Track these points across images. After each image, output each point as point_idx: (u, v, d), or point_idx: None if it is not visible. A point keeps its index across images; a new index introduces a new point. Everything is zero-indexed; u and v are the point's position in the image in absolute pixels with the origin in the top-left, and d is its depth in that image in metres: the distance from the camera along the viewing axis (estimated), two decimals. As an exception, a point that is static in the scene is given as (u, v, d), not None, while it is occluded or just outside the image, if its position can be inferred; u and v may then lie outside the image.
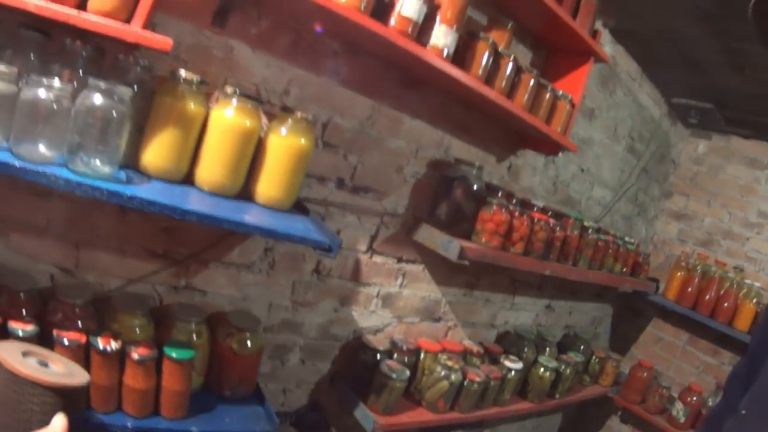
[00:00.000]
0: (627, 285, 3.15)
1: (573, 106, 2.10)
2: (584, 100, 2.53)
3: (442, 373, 2.06)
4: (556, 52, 2.22)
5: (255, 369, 1.63)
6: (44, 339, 1.25)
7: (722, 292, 3.20)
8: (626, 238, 3.00)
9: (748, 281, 3.16)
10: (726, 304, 3.15)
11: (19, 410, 1.08)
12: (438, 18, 1.51)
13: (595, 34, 2.10)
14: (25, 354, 1.12)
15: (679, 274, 3.45)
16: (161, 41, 1.09)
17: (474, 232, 1.98)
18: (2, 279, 1.29)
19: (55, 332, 1.26)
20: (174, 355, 1.34)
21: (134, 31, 1.07)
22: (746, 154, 3.56)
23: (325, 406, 2.03)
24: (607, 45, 2.57)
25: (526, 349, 2.59)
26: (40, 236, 1.36)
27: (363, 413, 1.92)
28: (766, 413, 0.95)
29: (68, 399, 1.12)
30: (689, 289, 3.33)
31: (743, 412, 1.01)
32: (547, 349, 2.75)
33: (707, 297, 3.24)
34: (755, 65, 2.44)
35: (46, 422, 1.05)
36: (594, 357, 3.22)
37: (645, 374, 3.44)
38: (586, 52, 2.11)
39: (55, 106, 1.04)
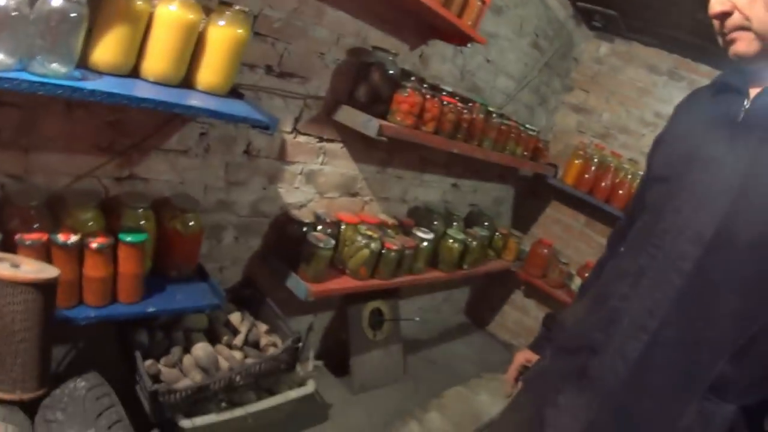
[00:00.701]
0: (527, 167, 3.56)
1: (483, 3, 2.34)
2: None
3: (363, 242, 2.38)
4: None
5: (197, 248, 1.85)
6: (6, 246, 1.37)
7: (617, 180, 3.62)
8: (528, 125, 3.37)
9: (641, 173, 3.64)
10: (621, 192, 3.59)
11: (5, 315, 1.25)
12: None
13: None
14: (-4, 260, 1.25)
15: (577, 161, 3.88)
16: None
17: (389, 113, 2.23)
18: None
19: (16, 236, 1.38)
20: (129, 239, 1.52)
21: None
22: (646, 59, 3.94)
23: (259, 280, 2.30)
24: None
25: (435, 223, 2.96)
26: (-12, 148, 1.45)
27: (295, 282, 2.20)
28: (635, 247, 1.22)
29: (47, 293, 1.30)
30: (586, 176, 3.78)
31: (621, 249, 1.32)
32: (455, 223, 3.14)
33: (603, 184, 3.68)
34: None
35: (30, 321, 1.27)
36: (497, 233, 3.66)
37: (545, 251, 3.93)
38: None
39: (13, 13, 1.12)
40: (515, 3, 3.09)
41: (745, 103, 1.12)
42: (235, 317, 2.05)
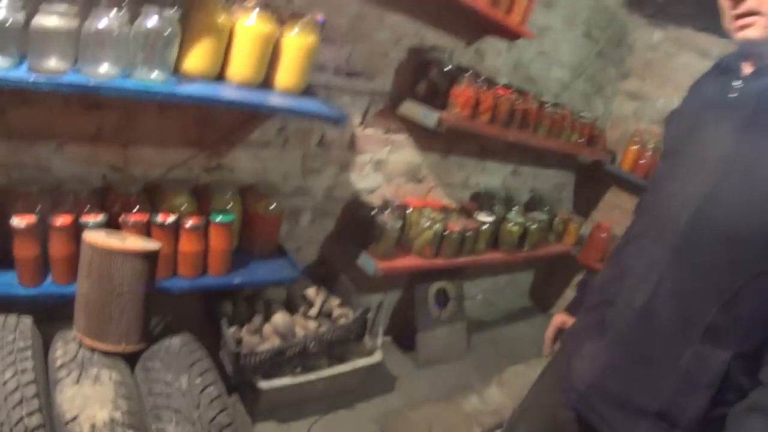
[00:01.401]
0: (584, 153, 3.71)
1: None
2: None
3: (427, 223, 2.62)
4: None
5: (277, 229, 2.14)
6: (110, 226, 1.65)
7: (671, 165, 3.78)
8: (583, 113, 3.55)
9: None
10: (674, 175, 3.74)
11: (115, 279, 1.53)
12: None
13: None
14: (107, 236, 1.57)
15: (633, 148, 4.01)
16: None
17: (448, 105, 2.48)
18: (65, 185, 1.72)
19: (121, 217, 1.66)
20: (218, 219, 1.83)
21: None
22: (697, 45, 4.02)
23: (333, 259, 2.60)
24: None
25: (496, 207, 3.19)
26: (92, 143, 1.77)
27: (365, 259, 2.47)
28: (642, 214, 1.40)
29: (149, 262, 1.59)
30: (642, 161, 3.91)
31: (634, 217, 1.47)
32: (515, 207, 3.34)
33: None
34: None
35: (135, 285, 1.54)
36: (557, 218, 3.82)
37: (604, 235, 4.02)
38: None
39: (116, 33, 1.35)
40: None
41: (734, 83, 1.25)
42: (310, 291, 2.36)
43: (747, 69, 1.25)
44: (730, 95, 1.24)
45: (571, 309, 1.71)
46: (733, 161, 1.16)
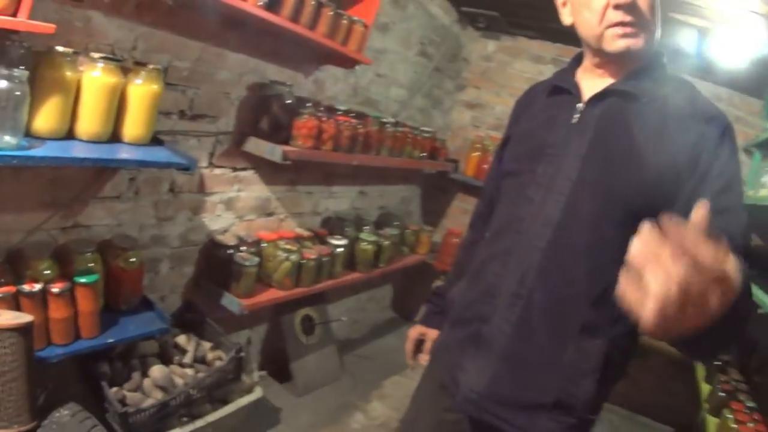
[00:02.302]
0: (428, 167, 4.02)
1: (366, 27, 2.76)
2: (378, 17, 3.17)
3: (283, 255, 2.74)
4: None
5: (140, 281, 2.15)
6: None
7: (513, 165, 4.19)
8: (423, 128, 3.85)
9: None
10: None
11: None
12: None
13: None
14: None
15: (474, 154, 4.42)
16: (46, 27, 1.51)
17: (291, 138, 2.60)
18: None
19: None
20: (83, 280, 1.82)
21: (24, 22, 1.53)
22: (532, 51, 4.53)
23: (197, 303, 2.63)
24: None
25: (347, 229, 3.37)
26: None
27: (229, 299, 2.55)
28: (500, 234, 1.45)
29: (27, 335, 1.56)
30: (484, 166, 4.29)
31: (488, 235, 1.53)
32: (366, 227, 3.56)
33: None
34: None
35: (17, 362, 1.51)
36: (408, 230, 4.10)
37: (456, 240, 4.36)
38: None
39: None
40: (400, 18, 3.56)
41: (578, 105, 1.36)
42: (181, 339, 2.40)
43: (586, 89, 1.37)
44: (574, 119, 1.35)
45: (426, 321, 1.80)
46: (583, 180, 1.29)
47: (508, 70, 4.66)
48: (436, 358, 1.64)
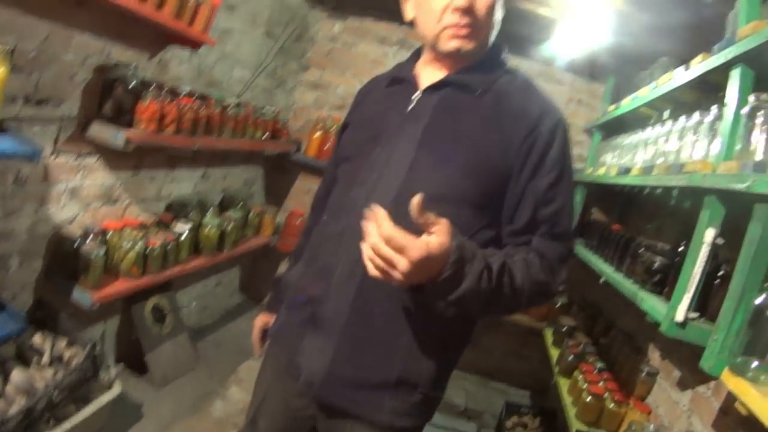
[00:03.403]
0: (270, 148, 4.13)
1: (213, 7, 2.82)
2: None
3: (129, 244, 2.75)
4: None
5: None
6: None
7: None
8: (265, 108, 3.95)
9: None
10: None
11: None
12: None
13: None
14: None
15: (316, 135, 4.58)
16: None
17: (134, 122, 2.60)
18: None
19: None
20: None
21: None
22: (378, 33, 4.74)
23: (50, 299, 2.58)
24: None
25: (191, 214, 3.42)
26: None
27: (80, 293, 2.53)
28: (335, 215, 1.51)
29: None
30: (326, 147, 4.49)
31: (324, 218, 1.58)
32: (209, 210, 3.62)
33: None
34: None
35: None
36: (252, 212, 4.18)
37: (299, 221, 4.56)
38: None
39: None
40: None
41: (414, 96, 1.46)
42: (37, 338, 2.37)
43: (424, 80, 1.49)
44: (409, 107, 1.46)
45: (271, 308, 1.82)
46: (416, 165, 1.37)
47: (353, 51, 4.86)
48: (276, 339, 1.66)
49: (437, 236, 1.13)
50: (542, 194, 1.36)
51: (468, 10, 1.34)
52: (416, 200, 1.10)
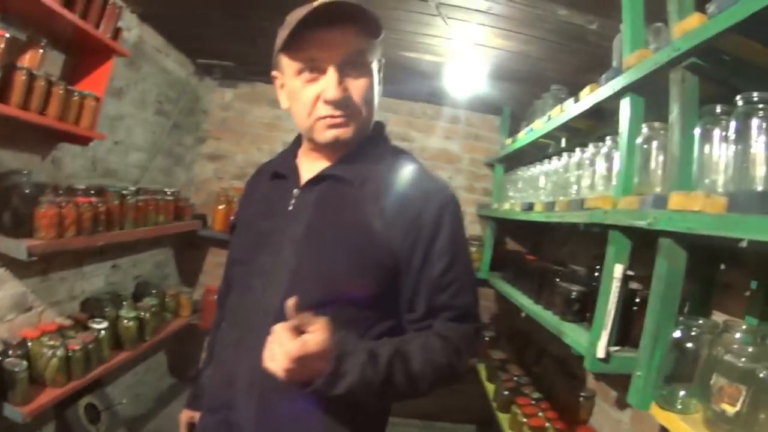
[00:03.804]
0: (175, 230, 4.12)
1: (98, 100, 2.86)
2: (113, 82, 3.26)
3: (49, 352, 2.71)
4: (86, 52, 2.92)
5: None
6: None
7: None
8: (166, 190, 3.98)
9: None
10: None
11: None
12: None
13: (116, 33, 2.87)
14: None
15: (220, 207, 4.62)
16: None
17: (34, 230, 2.58)
18: None
19: None
20: None
21: None
22: (269, 96, 4.85)
23: None
24: (134, 28, 3.45)
25: (106, 309, 3.37)
26: None
27: (10, 410, 2.47)
28: (231, 323, 1.48)
29: None
30: (232, 218, 4.45)
31: (223, 324, 1.55)
32: (124, 302, 3.58)
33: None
34: (267, 35, 3.47)
35: None
36: (168, 296, 4.19)
37: (215, 297, 4.51)
38: (108, 51, 2.90)
39: None
40: (135, 79, 3.69)
41: (294, 191, 1.42)
42: None
43: (304, 172, 1.45)
44: (291, 206, 1.41)
45: (191, 405, 1.78)
46: (300, 268, 1.33)
47: (248, 117, 4.96)
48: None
49: (315, 334, 1.15)
50: (436, 282, 1.34)
51: (341, 101, 1.31)
52: (290, 304, 1.14)
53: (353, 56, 1.32)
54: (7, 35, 2.12)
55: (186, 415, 1.79)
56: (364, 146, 1.42)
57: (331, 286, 1.32)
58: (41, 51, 2.48)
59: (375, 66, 1.39)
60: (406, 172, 1.40)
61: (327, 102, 1.31)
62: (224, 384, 1.42)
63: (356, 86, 1.33)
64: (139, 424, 3.97)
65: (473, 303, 1.43)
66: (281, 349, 1.13)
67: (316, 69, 1.32)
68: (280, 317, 1.22)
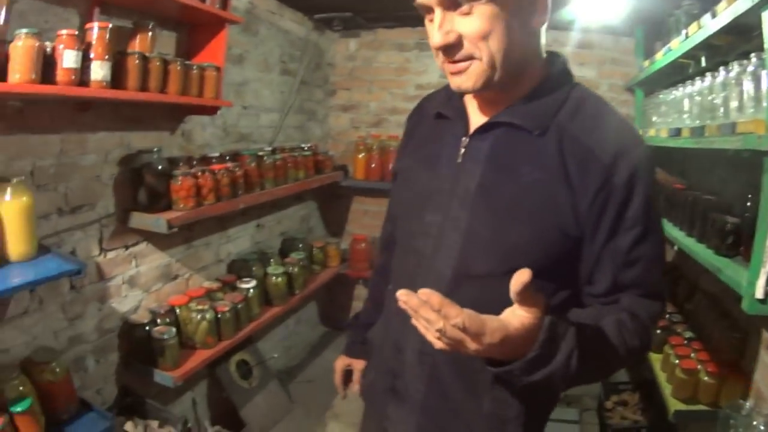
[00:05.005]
0: (316, 184, 4.14)
1: (218, 70, 2.86)
2: (232, 50, 3.30)
3: (198, 317, 2.84)
4: (197, 26, 2.94)
5: (71, 386, 2.21)
6: None
7: (401, 157, 4.40)
8: (303, 146, 4.03)
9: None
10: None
11: None
12: (92, 56, 2.08)
13: (225, 2, 2.84)
14: None
15: (360, 156, 4.59)
16: None
17: (173, 203, 2.67)
18: None
19: None
20: (20, 408, 1.87)
21: None
22: (394, 41, 4.74)
23: (133, 386, 2.71)
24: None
25: (254, 268, 3.48)
26: None
27: (161, 376, 2.63)
28: (397, 288, 1.16)
29: None
30: (372, 165, 4.51)
31: (390, 287, 1.47)
32: (271, 260, 3.69)
33: (391, 167, 4.17)
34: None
35: None
36: (315, 248, 4.26)
37: (363, 245, 4.61)
38: (220, 21, 2.87)
39: None
40: (254, 44, 3.70)
41: (464, 140, 1.26)
42: (129, 427, 2.49)
43: (473, 117, 1.29)
44: (459, 158, 1.26)
45: (349, 352, 1.79)
46: (472, 233, 1.21)
47: (374, 65, 4.86)
48: (366, 399, 1.61)
49: (522, 319, 0.97)
50: (623, 256, 1.16)
51: (450, 47, 1.11)
52: (522, 279, 0.92)
53: None
54: (110, 25, 2.14)
55: (343, 362, 1.79)
56: (543, 86, 1.21)
57: (507, 255, 1.16)
58: (150, 33, 2.50)
59: None
60: (593, 117, 1.20)
61: (435, 49, 1.13)
62: (393, 351, 1.38)
63: (469, 25, 1.09)
64: (291, 374, 4.15)
65: (661, 280, 1.24)
66: (478, 340, 0.95)
67: (427, 9, 1.13)
68: (453, 287, 1.16)
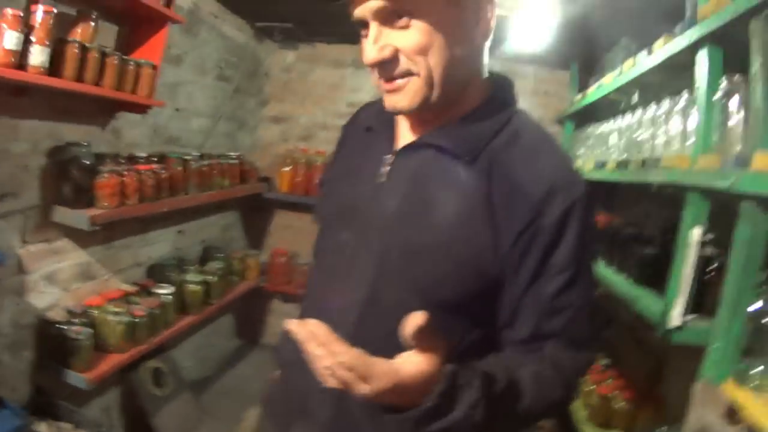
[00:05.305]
0: (240, 193, 4.13)
1: (154, 68, 2.82)
2: (170, 50, 3.23)
3: (114, 319, 2.74)
4: (139, 22, 2.87)
5: None
6: None
7: (326, 174, 4.42)
8: (230, 154, 3.98)
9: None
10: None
11: None
12: (34, 40, 2.03)
13: (169, 1, 2.80)
14: None
15: (285, 169, 4.57)
16: None
17: (96, 200, 2.60)
18: None
19: None
20: None
21: None
22: (331, 57, 4.76)
23: (47, 386, 2.58)
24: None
25: (172, 274, 3.41)
26: None
27: (74, 377, 2.53)
28: (310, 306, 1.25)
29: None
30: (298, 179, 4.49)
31: (303, 302, 1.35)
32: (190, 267, 3.62)
33: (315, 182, 4.33)
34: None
35: None
36: (234, 259, 4.21)
37: (283, 259, 4.59)
38: (163, 18, 2.83)
39: None
40: (193, 46, 3.64)
41: (385, 157, 1.17)
42: (42, 428, 2.37)
43: (402, 133, 1.20)
44: (381, 175, 1.16)
45: None
46: (389, 257, 1.11)
47: (310, 78, 4.88)
48: (271, 418, 1.40)
49: (418, 365, 0.90)
50: (548, 303, 1.06)
51: (386, 63, 1.04)
52: (416, 323, 0.86)
53: (394, 1, 1.00)
54: (55, 11, 2.08)
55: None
56: (482, 109, 1.12)
57: (420, 287, 1.08)
58: (92, 24, 2.43)
59: (451, 4, 1.03)
60: (530, 152, 1.09)
61: (369, 65, 1.06)
62: (300, 371, 1.17)
63: (407, 39, 1.01)
64: (204, 384, 4.05)
65: (589, 328, 1.13)
66: (367, 382, 0.87)
67: (362, 23, 1.06)
68: (364, 313, 1.08)
